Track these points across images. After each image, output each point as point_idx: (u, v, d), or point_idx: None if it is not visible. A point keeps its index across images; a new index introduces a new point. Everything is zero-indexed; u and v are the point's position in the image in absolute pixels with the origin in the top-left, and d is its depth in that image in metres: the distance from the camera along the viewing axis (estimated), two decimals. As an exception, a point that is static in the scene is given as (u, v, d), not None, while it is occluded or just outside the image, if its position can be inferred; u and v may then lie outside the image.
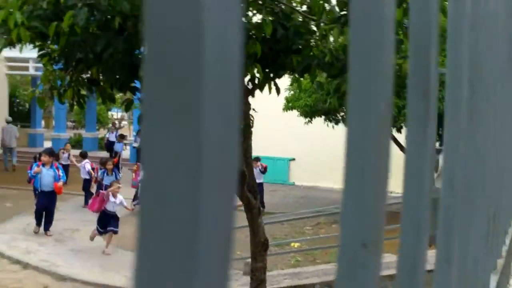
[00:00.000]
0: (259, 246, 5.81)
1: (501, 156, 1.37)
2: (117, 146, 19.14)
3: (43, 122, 27.33)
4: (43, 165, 10.49)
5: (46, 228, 10.45)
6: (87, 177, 13.01)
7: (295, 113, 14.79)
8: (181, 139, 0.23)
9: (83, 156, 13.78)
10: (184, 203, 0.23)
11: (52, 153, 11.17)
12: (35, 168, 10.53)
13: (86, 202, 12.93)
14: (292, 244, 9.43)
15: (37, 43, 5.06)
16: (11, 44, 5.18)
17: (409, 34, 0.54)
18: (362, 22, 0.38)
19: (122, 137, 19.67)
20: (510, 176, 1.72)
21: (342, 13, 4.51)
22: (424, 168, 0.52)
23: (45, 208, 10.42)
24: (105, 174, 11.77)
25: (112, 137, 21.35)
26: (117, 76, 4.79)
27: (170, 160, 0.23)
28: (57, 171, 10.58)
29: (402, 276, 0.51)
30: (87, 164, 13.06)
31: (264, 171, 13.25)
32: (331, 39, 4.64)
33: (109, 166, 11.89)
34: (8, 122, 19.55)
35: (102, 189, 11.80)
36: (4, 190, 15.00)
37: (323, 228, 11.81)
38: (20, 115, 26.17)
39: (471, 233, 0.83)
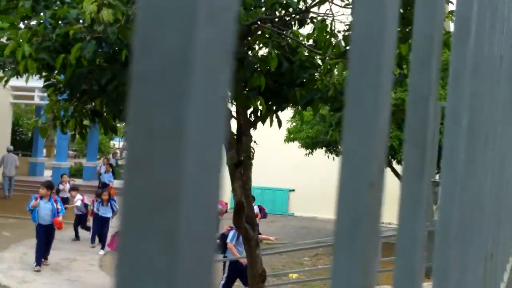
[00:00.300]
0: (257, 278, 5.79)
1: (498, 194, 1.38)
2: (104, 177, 18.41)
3: (44, 151, 27.38)
4: (41, 198, 10.17)
5: (44, 257, 10.20)
6: (79, 213, 12.59)
7: (295, 144, 14.87)
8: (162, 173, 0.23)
9: (73, 190, 13.44)
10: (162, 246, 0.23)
11: (51, 186, 10.81)
12: (33, 202, 10.18)
13: (76, 236, 12.63)
14: (290, 275, 9.37)
15: (44, 74, 5.14)
16: (18, 74, 5.28)
17: (408, 86, 0.55)
18: (361, 58, 0.39)
19: (111, 166, 19.15)
20: (506, 214, 1.74)
21: (348, 47, 4.59)
22: (418, 214, 0.53)
23: (45, 242, 10.13)
24: (101, 205, 11.59)
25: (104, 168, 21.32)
26: (121, 108, 4.85)
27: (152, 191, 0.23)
28: (55, 204, 10.25)
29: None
30: (78, 201, 12.55)
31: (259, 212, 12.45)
32: (336, 73, 4.70)
33: (105, 196, 11.64)
34: (9, 151, 19.60)
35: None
36: (2, 219, 14.93)
37: (322, 259, 11.73)
38: (22, 143, 26.25)
39: (468, 272, 0.85)
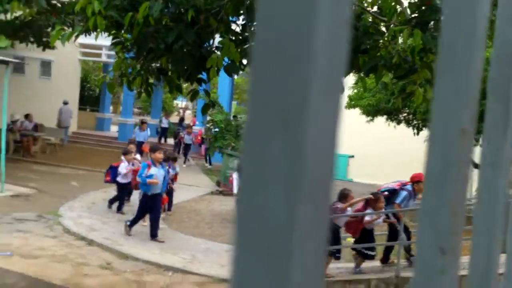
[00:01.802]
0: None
1: None
2: (139, 135, 17.15)
3: (111, 107, 28.32)
4: (153, 164, 8.84)
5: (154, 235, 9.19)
6: (123, 181, 10.63)
7: (356, 111, 14.80)
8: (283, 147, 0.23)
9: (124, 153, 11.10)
10: (280, 212, 0.23)
11: (157, 148, 9.37)
12: (150, 170, 8.76)
13: (119, 208, 10.93)
14: (348, 239, 9.37)
15: (112, 32, 5.26)
16: (87, 31, 5.42)
17: (493, 42, 0.54)
18: (454, 24, 0.39)
19: (163, 129, 18.56)
20: None
21: (413, 15, 4.45)
22: (500, 172, 0.52)
23: (150, 212, 9.02)
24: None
25: (165, 124, 21.77)
26: (185, 67, 4.92)
27: (270, 164, 0.23)
28: (168, 169, 9.13)
29: (474, 277, 0.51)
30: (122, 165, 10.57)
31: None
32: (400, 40, 4.59)
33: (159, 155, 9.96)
34: (64, 103, 20.73)
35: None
36: (71, 170, 15.65)
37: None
38: (90, 99, 27.24)
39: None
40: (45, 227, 9.31)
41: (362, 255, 7.60)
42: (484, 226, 0.53)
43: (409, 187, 7.87)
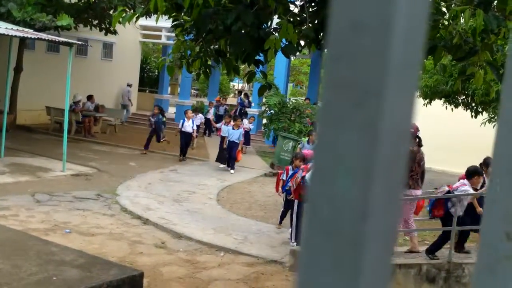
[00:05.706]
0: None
1: None
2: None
3: (169, 89, 28.86)
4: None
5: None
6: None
7: (414, 94, 14.77)
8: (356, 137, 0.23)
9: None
10: (353, 203, 0.23)
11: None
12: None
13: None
14: (400, 224, 9.31)
15: (172, 14, 5.35)
16: (148, 13, 5.53)
17: None
18: None
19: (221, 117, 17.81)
20: None
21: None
22: None
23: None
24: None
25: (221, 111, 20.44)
26: (243, 49, 4.95)
27: (342, 153, 0.23)
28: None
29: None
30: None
31: None
32: (461, 21, 4.46)
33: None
34: (128, 85, 22.39)
35: None
36: (129, 150, 16.07)
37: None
38: (149, 80, 27.84)
39: None
40: (103, 206, 9.64)
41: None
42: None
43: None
